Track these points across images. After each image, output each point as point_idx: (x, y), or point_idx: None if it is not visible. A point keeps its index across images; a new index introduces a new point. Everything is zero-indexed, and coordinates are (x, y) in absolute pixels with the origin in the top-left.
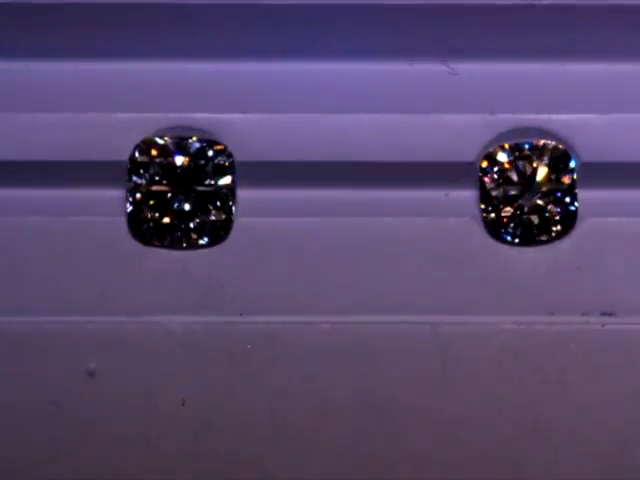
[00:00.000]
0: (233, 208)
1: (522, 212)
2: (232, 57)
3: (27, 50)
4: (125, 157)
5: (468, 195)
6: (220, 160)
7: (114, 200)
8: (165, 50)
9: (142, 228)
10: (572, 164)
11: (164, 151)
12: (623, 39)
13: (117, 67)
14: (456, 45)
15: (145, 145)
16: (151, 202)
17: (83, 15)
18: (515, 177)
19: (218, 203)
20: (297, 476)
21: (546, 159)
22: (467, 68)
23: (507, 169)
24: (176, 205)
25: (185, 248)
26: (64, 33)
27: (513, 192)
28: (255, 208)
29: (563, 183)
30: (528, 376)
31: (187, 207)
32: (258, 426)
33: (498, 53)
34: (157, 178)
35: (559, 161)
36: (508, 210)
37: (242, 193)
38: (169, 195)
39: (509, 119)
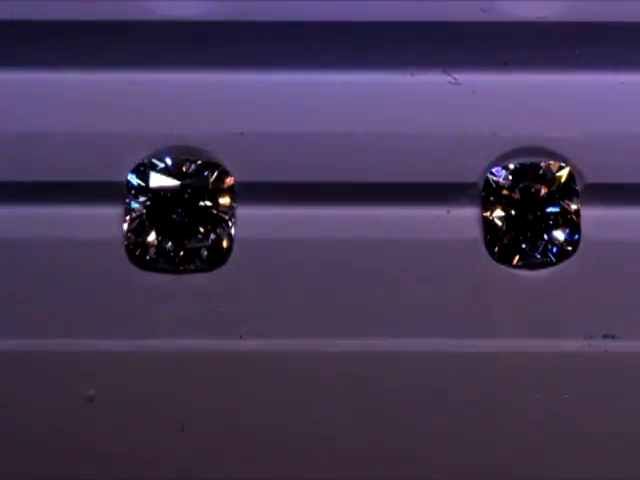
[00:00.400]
0: (232, 229)
1: (525, 234)
2: (231, 73)
3: (25, 64)
4: (123, 178)
5: (471, 215)
6: (219, 181)
7: (112, 220)
8: (163, 67)
9: (140, 251)
10: (576, 185)
11: (162, 172)
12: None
13: (114, 83)
14: (457, 55)
15: (143, 167)
16: (149, 224)
17: (81, 30)
18: (518, 198)
19: (217, 224)
20: None
21: (549, 179)
22: (469, 78)
23: (510, 190)
24: (175, 227)
25: (184, 270)
26: (61, 48)
27: (515, 213)
28: (255, 228)
29: (566, 204)
30: (529, 400)
31: (186, 228)
32: (258, 450)
33: (501, 64)
34: (155, 200)
35: (562, 182)
36: (510, 232)
37: (242, 213)
38: (167, 217)
39: (512, 138)
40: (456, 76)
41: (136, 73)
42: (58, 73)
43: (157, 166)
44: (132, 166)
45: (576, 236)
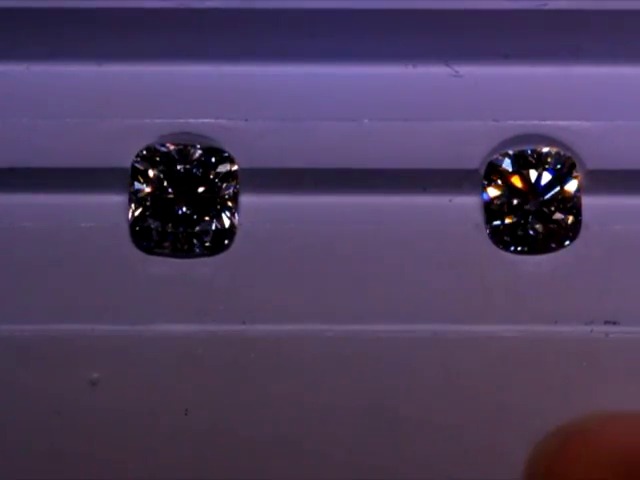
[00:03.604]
0: (236, 215)
1: (526, 220)
2: (234, 61)
3: (28, 53)
4: (127, 164)
5: (472, 201)
6: (223, 167)
7: (116, 207)
8: (167, 54)
9: (144, 236)
10: (577, 171)
11: (166, 159)
12: (630, 43)
13: (117, 72)
14: (459, 47)
15: (147, 153)
16: (153, 210)
17: (84, 18)
18: (519, 184)
19: (221, 210)
20: None
21: (550, 166)
22: (471, 71)
23: (511, 176)
24: (179, 213)
25: (188, 256)
26: (64, 36)
27: (517, 200)
28: (258, 215)
29: (567, 191)
30: (531, 385)
31: (190, 214)
32: (260, 435)
33: (502, 56)
34: (159, 186)
35: (563, 168)
36: (512, 218)
37: (245, 200)
38: (171, 203)
39: (513, 126)
40: (457, 68)
41: (140, 63)
42: (64, 65)
43: (161, 152)
44: (136, 152)
45: (577, 222)
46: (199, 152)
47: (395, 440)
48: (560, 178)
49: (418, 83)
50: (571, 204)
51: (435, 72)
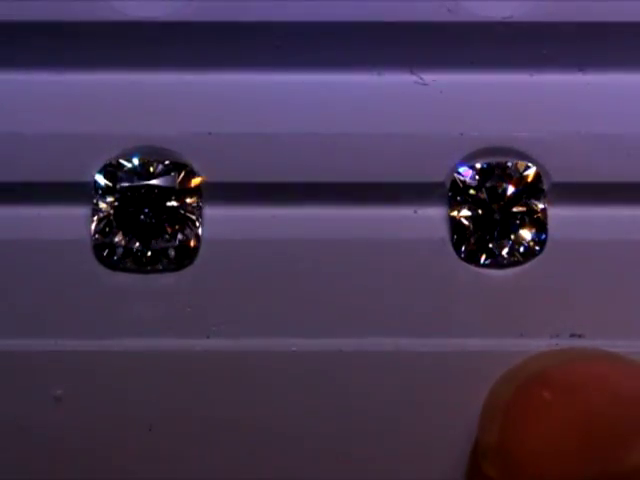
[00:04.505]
0: (200, 229)
1: (492, 233)
2: (198, 72)
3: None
4: (90, 178)
5: (438, 214)
6: (186, 181)
7: (80, 220)
8: (130, 65)
9: (107, 251)
10: (542, 184)
11: (130, 172)
12: (595, 53)
13: (79, 81)
14: (425, 55)
15: (110, 167)
16: (117, 224)
17: (45, 28)
18: (485, 197)
19: (185, 224)
20: None
21: (516, 179)
22: (436, 79)
23: (476, 189)
24: (142, 227)
25: (152, 270)
26: (24, 45)
27: (482, 213)
28: (223, 228)
29: (533, 203)
30: None
31: (153, 228)
32: (226, 450)
33: (468, 63)
34: (123, 200)
35: (529, 181)
36: (477, 231)
37: (209, 213)
38: (135, 217)
39: (479, 138)
40: (423, 76)
41: (102, 74)
42: (24, 74)
43: (124, 166)
44: (99, 166)
45: (543, 235)
46: (162, 166)
47: (362, 456)
48: (526, 191)
49: (383, 91)
50: (537, 217)
51: (400, 80)
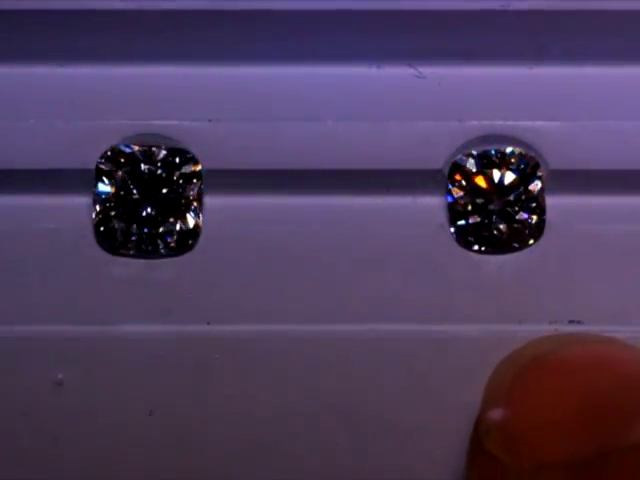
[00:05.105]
0: (200, 216)
1: (490, 220)
2: (198, 62)
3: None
4: (91, 165)
5: (436, 201)
6: (187, 168)
7: (81, 208)
8: (130, 55)
9: (109, 237)
10: (540, 171)
11: (131, 159)
12: (592, 43)
13: (80, 73)
14: (423, 48)
15: (112, 154)
16: (118, 211)
17: (46, 19)
18: (483, 185)
19: (185, 211)
20: None
21: (514, 166)
22: (434, 71)
23: (475, 177)
24: (143, 213)
25: (152, 256)
26: (26, 37)
27: (481, 200)
28: (223, 216)
29: (531, 190)
30: None
31: (154, 215)
32: (226, 435)
33: (465, 56)
34: (124, 187)
35: (527, 168)
36: (476, 218)
37: (210, 200)
38: (136, 204)
39: (477, 126)
40: (421, 69)
41: (102, 62)
42: (24, 64)
43: (125, 153)
44: (100, 154)
45: (541, 222)
46: (163, 153)
47: (362, 440)
48: (524, 178)
49: (382, 84)
50: (535, 204)
51: (398, 73)
